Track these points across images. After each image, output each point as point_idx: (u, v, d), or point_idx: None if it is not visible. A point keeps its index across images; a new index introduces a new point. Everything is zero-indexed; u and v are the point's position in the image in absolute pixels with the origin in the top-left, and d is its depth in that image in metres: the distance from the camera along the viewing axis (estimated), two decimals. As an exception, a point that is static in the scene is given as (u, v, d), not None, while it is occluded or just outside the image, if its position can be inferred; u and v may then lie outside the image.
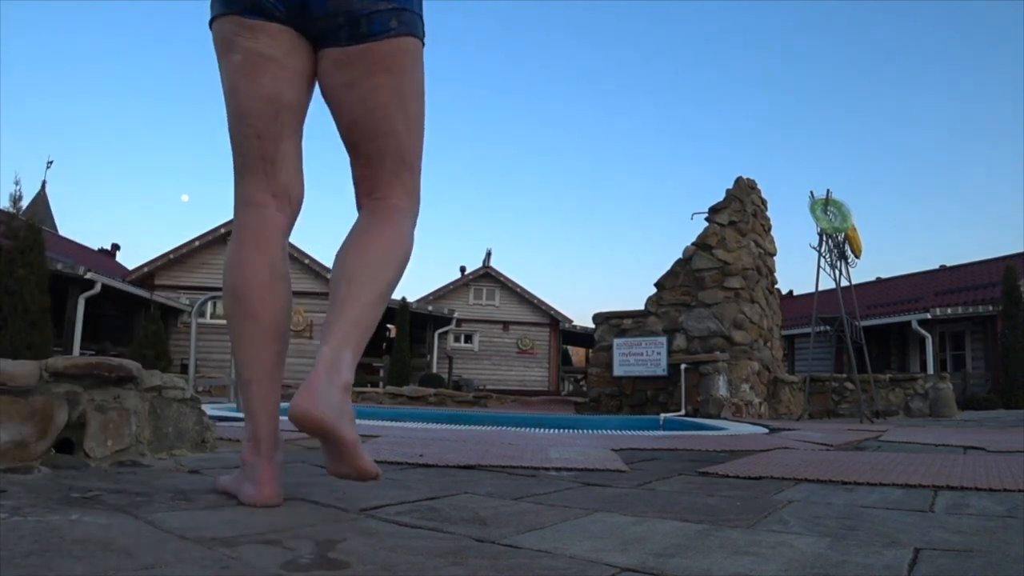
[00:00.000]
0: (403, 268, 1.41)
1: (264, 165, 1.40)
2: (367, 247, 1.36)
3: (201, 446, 2.02)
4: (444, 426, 4.74)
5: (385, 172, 1.43)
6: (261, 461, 1.30)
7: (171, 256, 17.50)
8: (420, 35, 1.41)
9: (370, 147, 1.42)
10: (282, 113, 1.39)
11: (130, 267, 19.24)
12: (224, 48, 1.39)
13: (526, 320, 23.62)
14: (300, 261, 17.61)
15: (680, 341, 8.63)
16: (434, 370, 18.48)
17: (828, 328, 8.67)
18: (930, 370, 14.93)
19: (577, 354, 32.28)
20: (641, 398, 8.92)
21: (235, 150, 1.44)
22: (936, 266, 21.63)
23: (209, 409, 3.87)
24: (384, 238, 1.39)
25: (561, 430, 5.28)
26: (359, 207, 1.46)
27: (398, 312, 17.33)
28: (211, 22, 1.41)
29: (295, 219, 1.47)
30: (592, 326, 10.11)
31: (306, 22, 1.36)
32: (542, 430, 4.79)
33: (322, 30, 1.36)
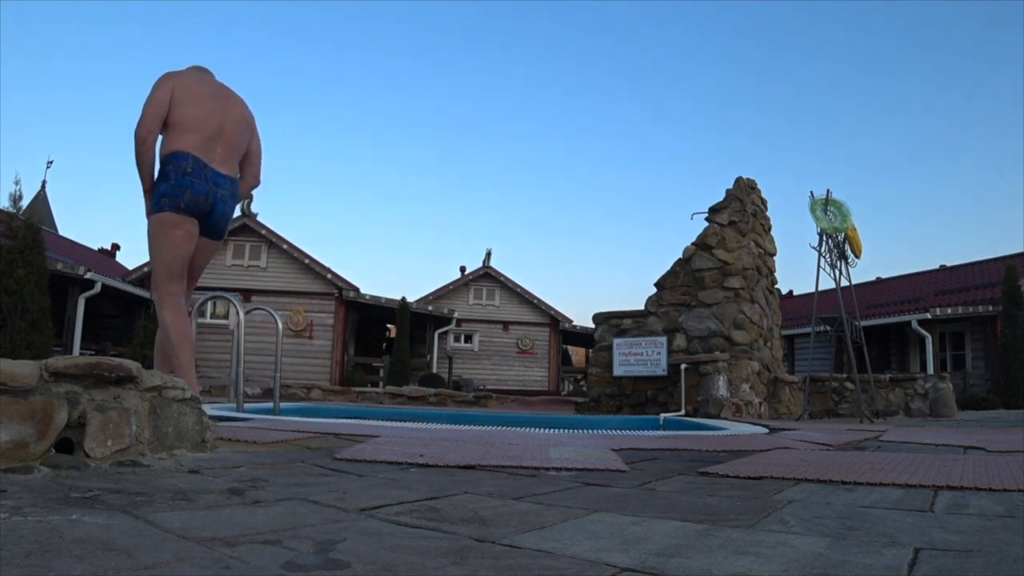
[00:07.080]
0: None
1: (181, 277, 3.26)
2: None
3: (201, 446, 2.02)
4: (444, 426, 4.73)
5: (193, 284, 3.44)
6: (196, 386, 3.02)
7: (171, 256, 17.42)
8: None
9: (196, 273, 3.42)
10: (189, 257, 3.28)
11: (130, 267, 19.22)
12: (172, 225, 3.13)
13: (526, 320, 23.61)
14: (300, 261, 17.58)
15: (680, 341, 8.62)
16: (434, 370, 18.45)
17: (828, 328, 8.66)
18: (930, 370, 14.92)
19: (577, 354, 32.27)
20: (641, 398, 8.91)
21: (165, 269, 3.18)
22: (936, 266, 21.62)
23: (209, 409, 3.88)
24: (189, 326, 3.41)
25: (561, 430, 5.27)
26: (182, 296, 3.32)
27: (398, 312, 17.30)
28: (162, 211, 3.11)
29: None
30: (592, 326, 10.10)
31: (205, 229, 3.29)
32: (542, 430, 4.79)
33: (206, 232, 3.31)
